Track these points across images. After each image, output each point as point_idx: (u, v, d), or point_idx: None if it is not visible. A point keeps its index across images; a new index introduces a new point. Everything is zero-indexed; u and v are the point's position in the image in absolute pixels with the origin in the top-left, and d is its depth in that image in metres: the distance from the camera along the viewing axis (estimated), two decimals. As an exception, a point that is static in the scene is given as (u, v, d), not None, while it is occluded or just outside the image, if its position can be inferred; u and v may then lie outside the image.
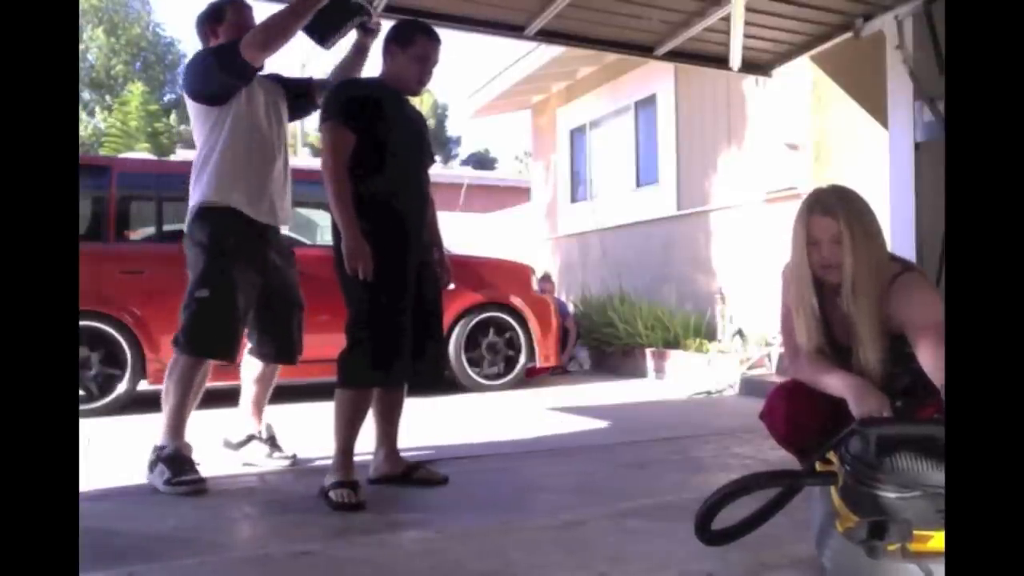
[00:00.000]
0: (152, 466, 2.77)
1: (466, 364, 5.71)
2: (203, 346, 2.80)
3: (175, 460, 2.73)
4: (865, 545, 1.42)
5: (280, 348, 3.12)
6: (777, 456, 3.35)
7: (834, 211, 2.04)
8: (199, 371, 2.81)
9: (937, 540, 1.39)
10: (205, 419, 4.15)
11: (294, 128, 30.29)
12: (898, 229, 4.17)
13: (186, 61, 2.97)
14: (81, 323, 4.49)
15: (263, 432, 3.20)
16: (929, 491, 1.42)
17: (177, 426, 2.77)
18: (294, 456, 3.20)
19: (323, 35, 2.89)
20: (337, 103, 2.67)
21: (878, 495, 1.45)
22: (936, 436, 1.43)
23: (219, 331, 2.81)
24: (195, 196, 2.87)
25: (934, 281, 3.70)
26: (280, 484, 2.88)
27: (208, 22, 2.97)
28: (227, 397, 4.94)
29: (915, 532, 1.40)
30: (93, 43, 28.66)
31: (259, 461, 3.15)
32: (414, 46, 2.81)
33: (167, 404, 2.78)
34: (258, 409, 3.20)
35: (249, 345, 3.13)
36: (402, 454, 3.03)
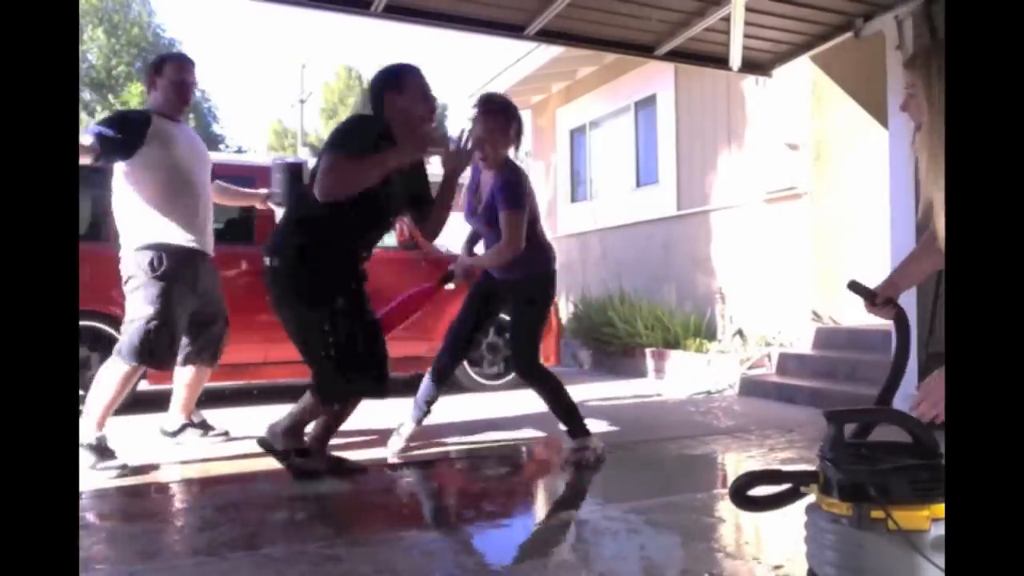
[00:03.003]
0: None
1: (466, 364, 5.70)
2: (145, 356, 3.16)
3: (103, 449, 3.10)
4: (850, 514, 1.44)
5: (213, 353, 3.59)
6: (776, 456, 3.36)
7: (913, 57, 1.79)
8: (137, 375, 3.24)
9: (917, 517, 1.40)
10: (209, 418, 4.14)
11: (294, 129, 30.35)
12: (898, 229, 4.18)
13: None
14: (81, 323, 4.48)
15: (195, 419, 3.68)
16: (901, 465, 1.44)
17: (105, 419, 3.16)
18: (227, 432, 3.68)
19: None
20: (350, 135, 2.71)
21: (854, 471, 1.46)
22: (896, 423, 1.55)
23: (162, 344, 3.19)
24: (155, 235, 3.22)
25: (935, 283, 3.70)
26: (279, 485, 2.88)
27: (149, 73, 3.35)
28: (227, 397, 4.94)
29: (895, 510, 1.40)
30: (93, 43, 28.65)
31: (195, 442, 3.61)
32: (410, 88, 2.84)
33: (102, 400, 3.15)
34: (187, 410, 3.64)
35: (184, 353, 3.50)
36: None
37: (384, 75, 2.86)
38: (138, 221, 3.20)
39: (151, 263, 3.16)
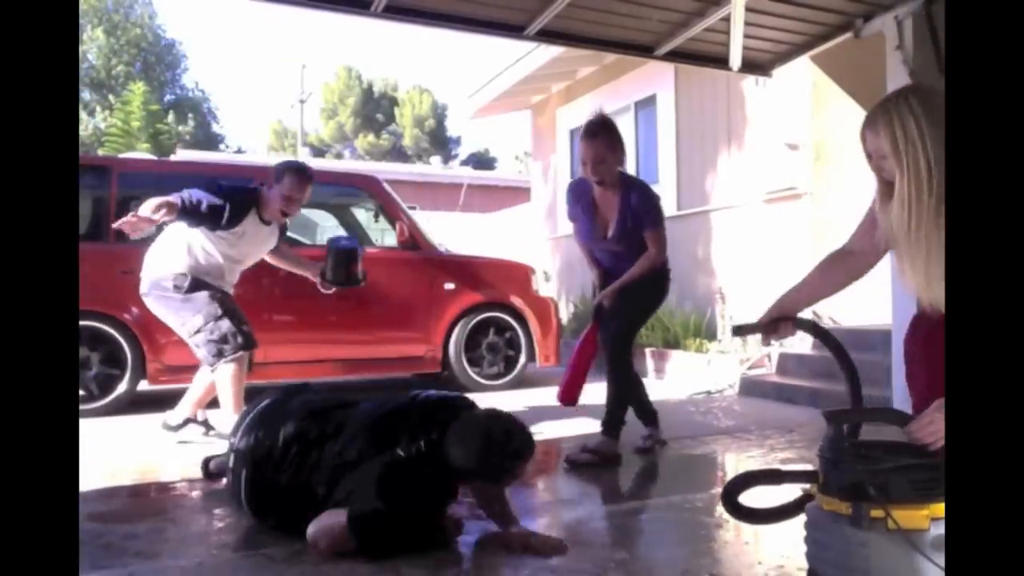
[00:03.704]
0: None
1: (466, 364, 5.71)
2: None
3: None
4: (850, 514, 1.44)
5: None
6: (777, 456, 3.36)
7: (873, 121, 1.66)
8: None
9: (917, 516, 1.40)
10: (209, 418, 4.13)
11: (294, 129, 30.46)
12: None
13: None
14: (81, 323, 4.49)
15: (199, 416, 3.74)
16: (900, 465, 1.44)
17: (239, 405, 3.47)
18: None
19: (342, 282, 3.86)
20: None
21: (853, 470, 1.46)
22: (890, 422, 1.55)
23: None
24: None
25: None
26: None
27: (271, 175, 3.57)
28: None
29: (895, 509, 1.40)
30: (93, 43, 28.65)
31: (197, 439, 3.67)
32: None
33: (228, 398, 3.48)
34: (198, 407, 3.72)
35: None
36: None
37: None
38: (167, 261, 3.49)
39: (176, 285, 3.45)
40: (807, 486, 1.64)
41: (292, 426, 2.22)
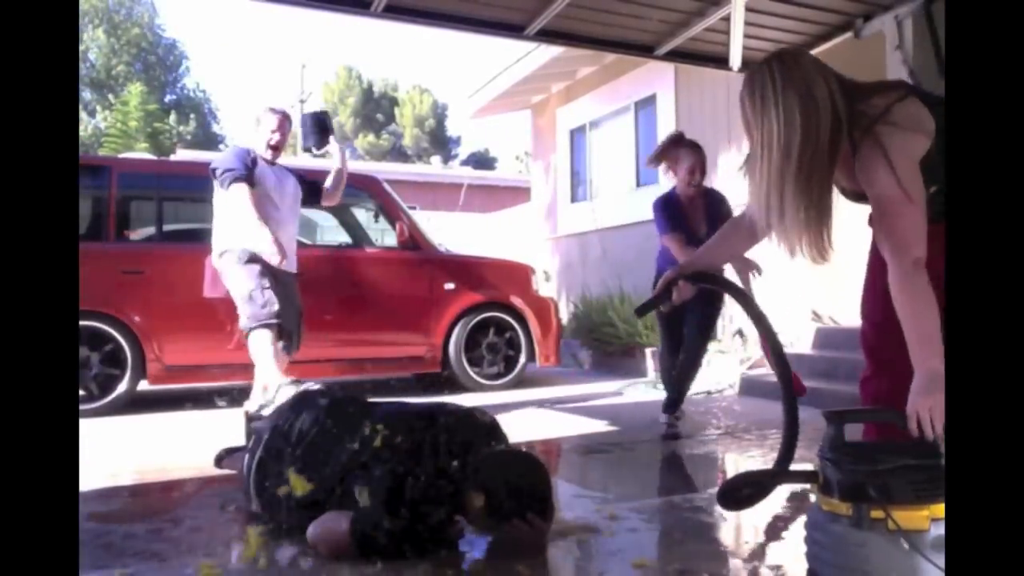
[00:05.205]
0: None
1: (466, 364, 5.70)
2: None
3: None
4: (850, 514, 1.44)
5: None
6: (776, 456, 3.35)
7: (741, 89, 1.75)
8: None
9: (917, 517, 1.40)
10: (204, 420, 4.15)
11: (294, 129, 30.53)
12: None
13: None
14: (81, 323, 4.49)
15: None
16: (901, 466, 1.44)
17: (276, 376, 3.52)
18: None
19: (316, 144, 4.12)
20: None
21: (854, 471, 1.46)
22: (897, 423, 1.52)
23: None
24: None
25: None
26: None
27: (253, 126, 3.90)
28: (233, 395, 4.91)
29: (895, 510, 1.40)
30: (93, 43, 28.66)
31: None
32: None
33: (264, 367, 3.56)
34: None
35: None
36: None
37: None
38: (230, 231, 3.68)
39: (239, 257, 3.63)
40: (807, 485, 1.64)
41: (315, 412, 2.28)
